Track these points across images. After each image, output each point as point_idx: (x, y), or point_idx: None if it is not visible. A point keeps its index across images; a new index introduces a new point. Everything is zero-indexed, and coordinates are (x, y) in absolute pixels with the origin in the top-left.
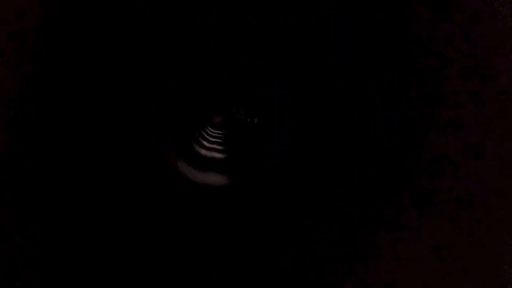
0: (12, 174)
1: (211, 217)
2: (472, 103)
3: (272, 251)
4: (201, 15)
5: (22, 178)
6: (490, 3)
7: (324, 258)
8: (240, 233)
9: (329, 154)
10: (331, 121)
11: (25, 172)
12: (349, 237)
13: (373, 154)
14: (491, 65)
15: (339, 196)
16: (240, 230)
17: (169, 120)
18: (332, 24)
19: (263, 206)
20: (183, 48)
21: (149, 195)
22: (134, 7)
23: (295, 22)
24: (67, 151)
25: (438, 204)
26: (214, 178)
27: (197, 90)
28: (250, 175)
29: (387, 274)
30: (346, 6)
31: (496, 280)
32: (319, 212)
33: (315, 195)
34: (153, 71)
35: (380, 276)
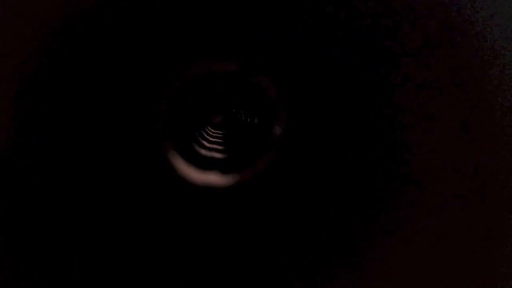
0: (13, 173)
1: (211, 218)
2: None
3: (271, 252)
4: (201, 16)
5: (22, 177)
6: None
7: (325, 259)
8: (240, 233)
9: (329, 154)
10: (331, 121)
11: (25, 171)
12: (349, 237)
13: (374, 155)
14: None
15: (340, 195)
16: (240, 230)
17: (169, 120)
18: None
19: (263, 206)
20: (183, 48)
21: (148, 195)
22: (133, 8)
23: (294, 24)
24: (67, 151)
25: (438, 202)
26: (214, 178)
27: (197, 90)
28: (250, 175)
29: (386, 274)
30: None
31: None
32: (319, 212)
33: (315, 195)
34: (153, 71)
35: (380, 276)
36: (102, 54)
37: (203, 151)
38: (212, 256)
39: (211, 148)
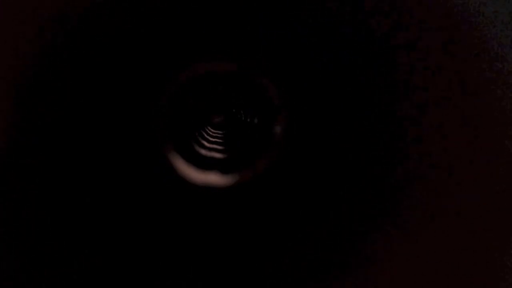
0: (13, 173)
1: (211, 218)
2: None
3: (271, 252)
4: (201, 16)
5: (22, 177)
6: None
7: (325, 259)
8: (240, 233)
9: (329, 154)
10: (331, 121)
11: (25, 171)
12: (349, 237)
13: (374, 155)
14: None
15: (340, 195)
16: (240, 230)
17: (169, 120)
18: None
19: (263, 207)
20: (183, 48)
21: (148, 195)
22: (133, 8)
23: (293, 25)
24: (67, 151)
25: (439, 207)
26: (214, 178)
27: (197, 90)
28: (250, 175)
29: (387, 274)
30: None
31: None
32: (319, 212)
33: (315, 195)
34: (153, 71)
35: (380, 276)
36: (102, 54)
37: (203, 151)
38: (212, 256)
39: (211, 148)
